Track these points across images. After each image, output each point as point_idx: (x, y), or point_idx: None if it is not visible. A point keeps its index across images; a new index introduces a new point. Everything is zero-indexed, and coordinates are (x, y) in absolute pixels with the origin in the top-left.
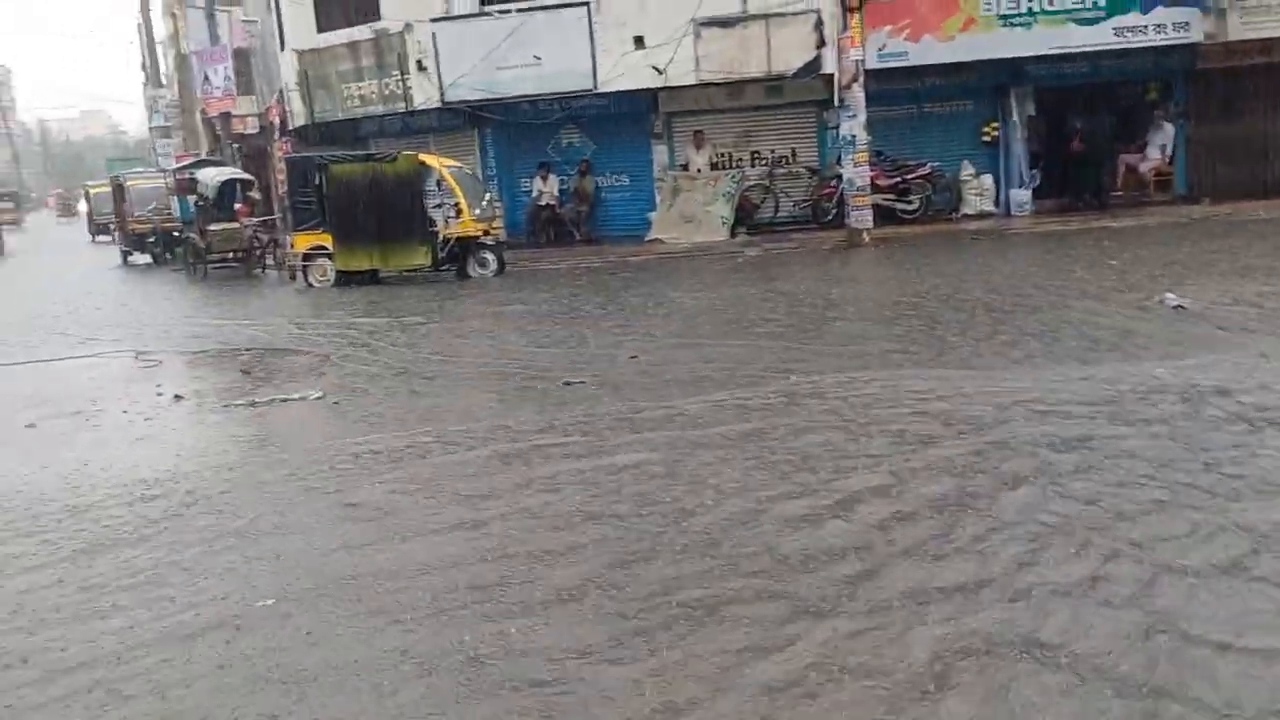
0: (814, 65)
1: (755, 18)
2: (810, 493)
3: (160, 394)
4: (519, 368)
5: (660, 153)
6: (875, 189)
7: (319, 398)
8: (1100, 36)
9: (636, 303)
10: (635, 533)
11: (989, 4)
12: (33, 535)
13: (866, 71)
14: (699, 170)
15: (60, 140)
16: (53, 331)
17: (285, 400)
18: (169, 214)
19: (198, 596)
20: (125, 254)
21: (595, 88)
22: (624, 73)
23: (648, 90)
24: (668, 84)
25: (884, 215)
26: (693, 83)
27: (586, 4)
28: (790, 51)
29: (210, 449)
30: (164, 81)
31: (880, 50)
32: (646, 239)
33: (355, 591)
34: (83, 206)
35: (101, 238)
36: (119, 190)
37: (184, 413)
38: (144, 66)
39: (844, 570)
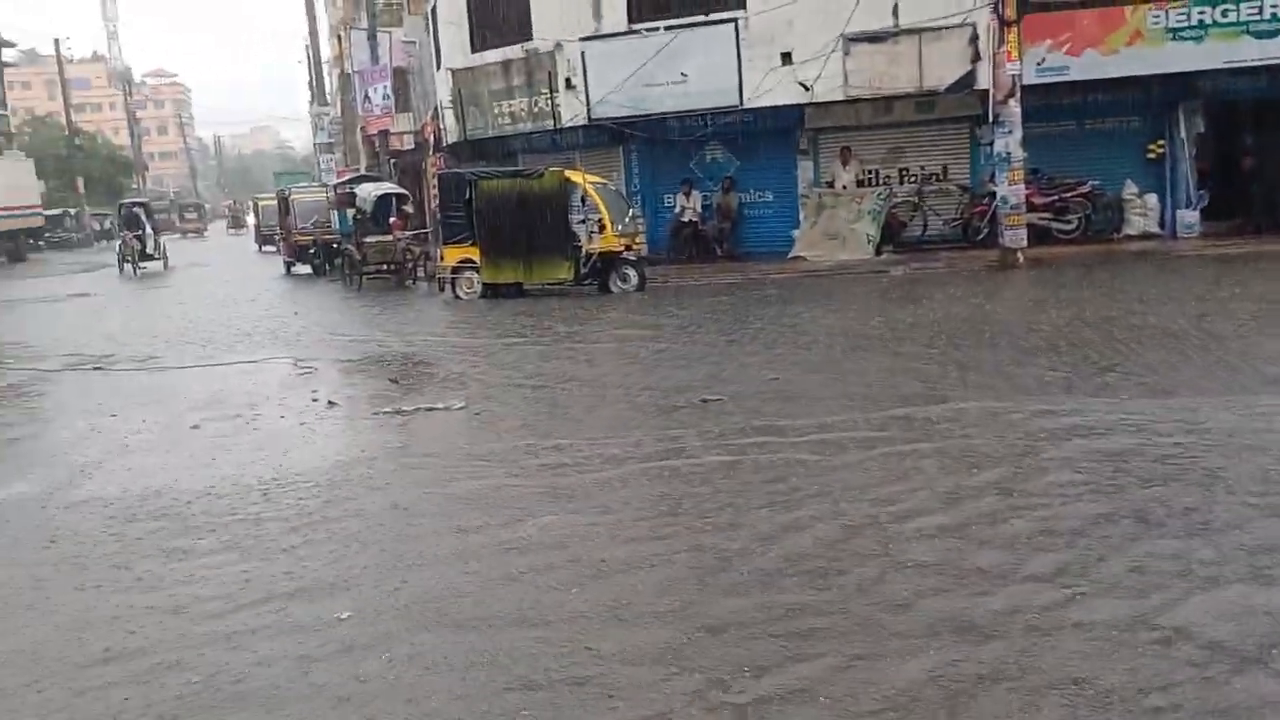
0: (968, 80)
1: (908, 32)
2: (974, 533)
3: (315, 400)
4: (657, 383)
5: (805, 169)
6: (1031, 207)
7: (461, 408)
8: (1278, 49)
9: (777, 321)
10: (788, 553)
11: (1157, 17)
12: (211, 525)
13: (1023, 86)
14: (844, 187)
15: (232, 155)
16: (219, 337)
17: (430, 409)
18: (329, 226)
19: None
20: (288, 264)
21: (741, 104)
22: (770, 89)
23: (794, 106)
24: (814, 100)
25: (1039, 235)
26: (840, 99)
27: (735, 21)
28: (943, 66)
29: (359, 455)
30: (328, 100)
31: (1039, 65)
32: (789, 256)
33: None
34: (251, 218)
35: (267, 248)
36: (284, 203)
37: (336, 418)
38: (311, 85)
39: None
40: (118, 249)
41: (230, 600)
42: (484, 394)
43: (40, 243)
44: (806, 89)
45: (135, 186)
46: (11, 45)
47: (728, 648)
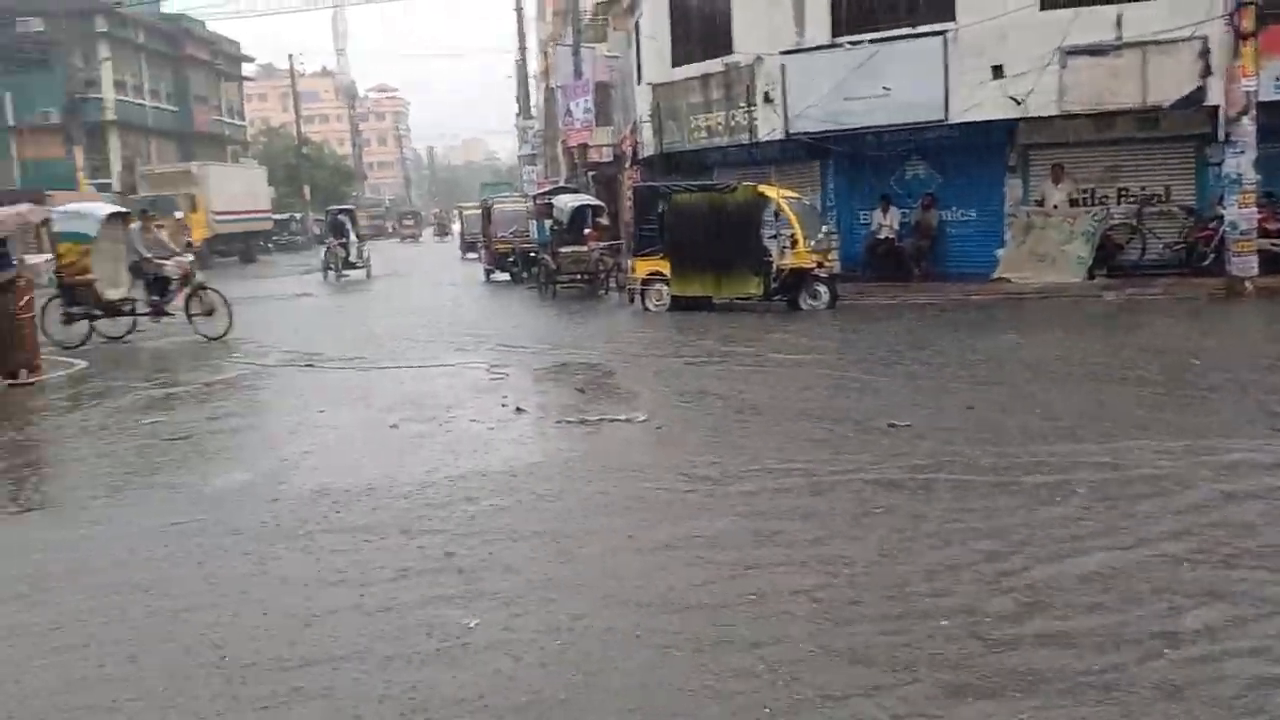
0: (1197, 96)
1: (1131, 45)
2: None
3: (505, 405)
4: (843, 404)
5: (1014, 187)
6: (1263, 233)
7: (643, 420)
8: None
9: (976, 345)
10: (996, 587)
11: None
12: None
13: (1259, 104)
14: (1055, 206)
15: (443, 165)
16: (420, 339)
17: (613, 420)
18: (527, 236)
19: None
20: (488, 271)
21: (946, 119)
22: (979, 103)
23: (1004, 121)
24: (1026, 115)
25: (1270, 263)
26: (1054, 114)
27: (944, 34)
28: (1169, 81)
29: (542, 461)
30: (533, 113)
31: (1277, 80)
32: (992, 277)
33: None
34: (456, 226)
35: (470, 255)
36: (486, 213)
37: (524, 425)
38: (518, 99)
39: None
40: (323, 255)
41: (395, 574)
42: (667, 408)
43: (269, 245)
44: (1018, 103)
45: (355, 194)
46: (251, 60)
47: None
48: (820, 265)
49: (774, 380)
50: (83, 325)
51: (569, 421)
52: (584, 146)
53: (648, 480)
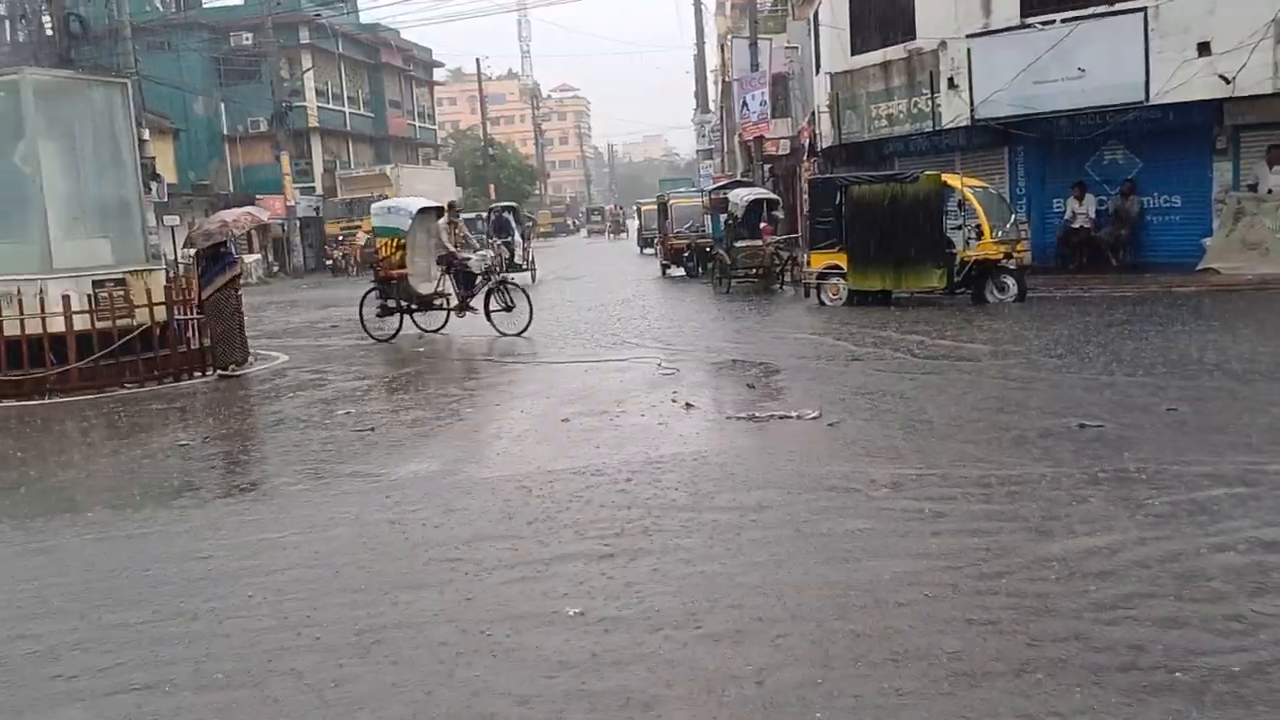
0: None
1: None
2: None
3: (674, 401)
4: (1028, 401)
5: (1222, 171)
6: None
7: (815, 417)
8: None
9: (1180, 340)
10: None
11: None
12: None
13: None
14: (1270, 191)
15: (623, 162)
16: (594, 333)
17: (784, 417)
18: (702, 230)
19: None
20: (664, 267)
21: (1146, 100)
22: (1183, 83)
23: (1211, 101)
24: (1237, 94)
25: None
26: (1269, 92)
27: (1143, 10)
28: None
29: (711, 456)
30: (711, 108)
31: None
32: (1198, 268)
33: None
34: (634, 222)
35: (647, 251)
36: (663, 208)
37: (692, 421)
38: (696, 94)
39: None
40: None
41: (556, 556)
42: (840, 405)
43: None
44: (1227, 82)
45: (538, 193)
46: (441, 65)
47: None
48: (1009, 256)
49: (956, 376)
50: (395, 319)
51: (739, 418)
52: (760, 140)
53: (815, 477)
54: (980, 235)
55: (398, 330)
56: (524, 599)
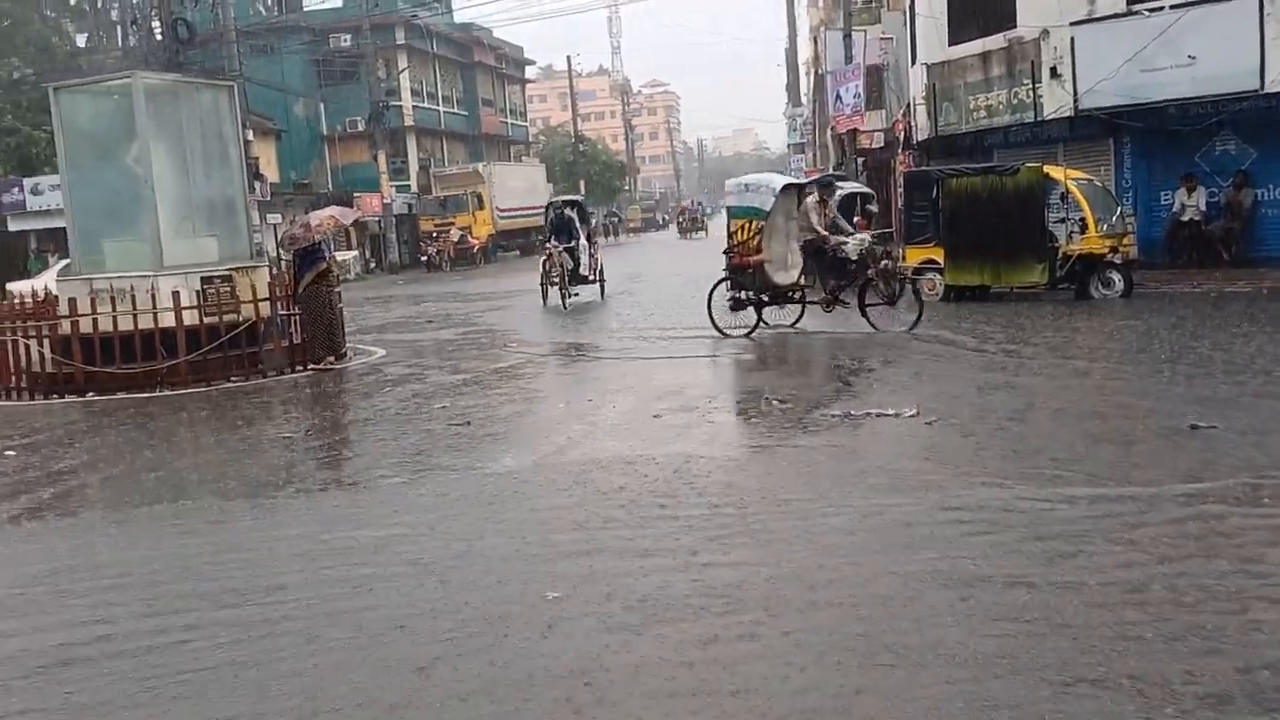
0: None
1: None
2: None
3: (766, 397)
4: (1134, 400)
5: None
6: None
7: (912, 415)
8: None
9: None
10: None
11: None
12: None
13: None
14: None
15: (713, 157)
16: (683, 331)
17: (879, 415)
18: None
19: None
20: None
21: (1261, 88)
22: None
23: None
24: None
25: None
26: None
27: None
28: None
29: (798, 456)
30: (802, 101)
31: None
32: None
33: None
34: (722, 217)
35: None
36: None
37: (783, 417)
38: (787, 88)
39: None
40: (541, 267)
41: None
42: (939, 403)
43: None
44: None
45: (627, 189)
46: (533, 63)
47: None
48: (1114, 250)
49: (1059, 373)
50: (749, 313)
51: (833, 415)
52: (853, 133)
53: (910, 478)
54: (1084, 229)
55: (755, 326)
56: (642, 584)
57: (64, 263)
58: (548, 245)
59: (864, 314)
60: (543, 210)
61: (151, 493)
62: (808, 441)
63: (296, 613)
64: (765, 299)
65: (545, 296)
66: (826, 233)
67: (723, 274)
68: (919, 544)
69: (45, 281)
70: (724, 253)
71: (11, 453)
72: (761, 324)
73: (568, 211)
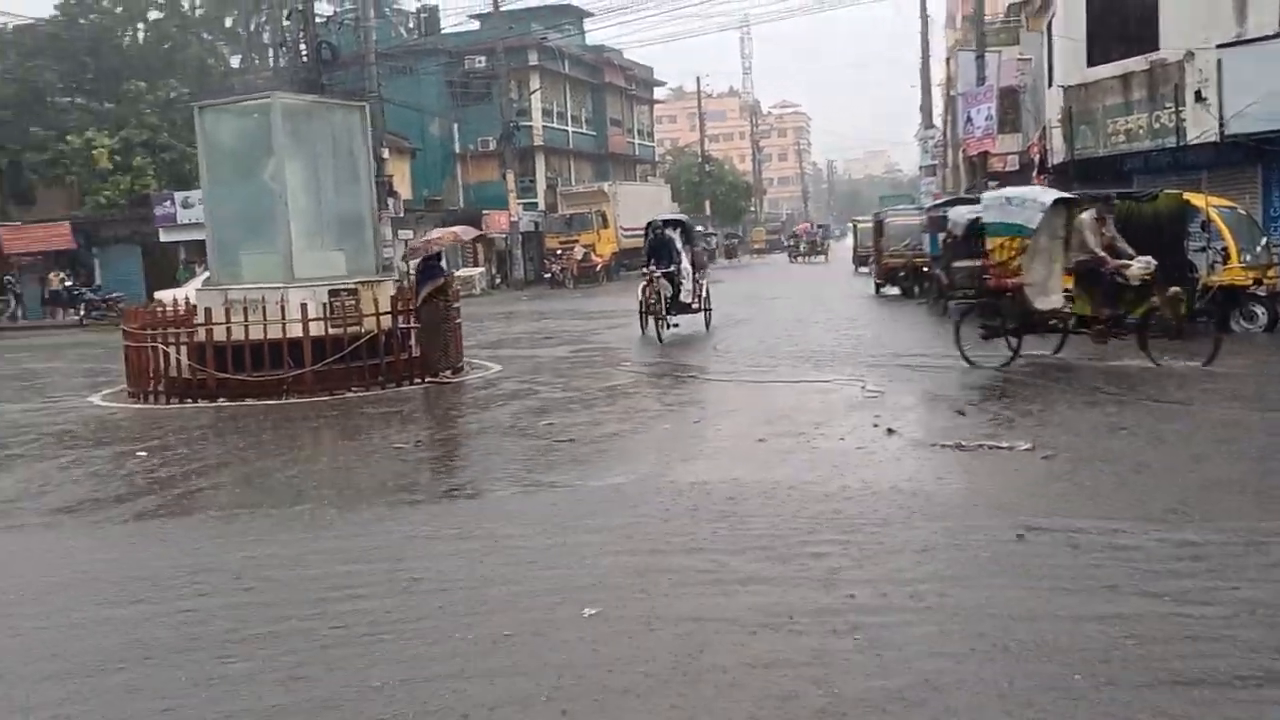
0: None
1: None
2: None
3: (876, 425)
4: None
5: None
6: None
7: (1028, 449)
8: None
9: None
10: None
11: None
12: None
13: None
14: None
15: (843, 179)
16: (796, 355)
17: (994, 448)
18: (920, 250)
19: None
20: (878, 286)
21: None
22: None
23: None
24: None
25: None
26: None
27: None
28: None
29: (912, 488)
30: (935, 123)
31: None
32: None
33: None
34: (848, 240)
35: (862, 269)
36: (878, 226)
37: (893, 447)
38: (921, 109)
39: None
40: (640, 293)
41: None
42: (1059, 437)
43: None
44: None
45: (753, 210)
46: (662, 84)
47: None
48: (1258, 283)
49: (1194, 410)
50: (1005, 343)
51: (944, 445)
52: (985, 155)
53: (1013, 510)
54: (1226, 259)
55: (1012, 359)
56: (742, 609)
57: (206, 274)
58: (644, 269)
59: (1143, 347)
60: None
61: (271, 496)
62: (915, 469)
63: (456, 600)
64: (1022, 328)
65: (644, 325)
66: (1104, 254)
67: (968, 299)
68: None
69: (187, 291)
70: (978, 277)
71: (142, 453)
72: (1016, 354)
73: (668, 232)
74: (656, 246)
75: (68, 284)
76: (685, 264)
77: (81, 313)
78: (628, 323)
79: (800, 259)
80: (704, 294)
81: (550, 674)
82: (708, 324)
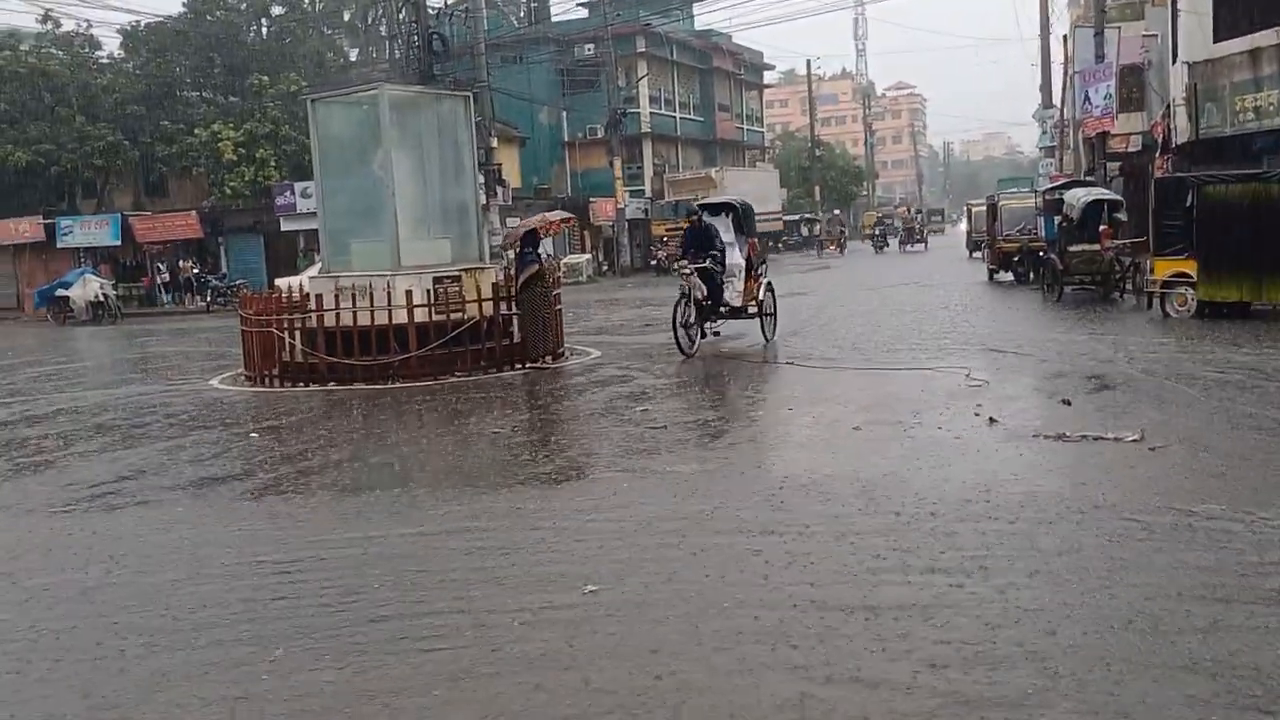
0: None
1: None
2: None
3: (977, 414)
4: None
5: None
6: None
7: (1135, 440)
8: None
9: None
10: None
11: None
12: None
13: None
14: None
15: (961, 161)
16: (900, 341)
17: (1098, 439)
18: (1035, 233)
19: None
20: (991, 271)
21: None
22: None
23: None
24: None
25: None
26: None
27: None
28: None
29: (1008, 478)
30: (1054, 103)
31: None
32: None
33: None
34: (963, 225)
35: (976, 254)
36: (992, 209)
37: (994, 436)
38: (1041, 88)
39: None
40: (679, 295)
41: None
42: (1170, 429)
43: (779, 245)
44: None
45: (864, 194)
46: (771, 68)
47: None
48: None
49: None
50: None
51: (1046, 436)
52: (1104, 135)
53: (1126, 516)
54: None
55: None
56: (825, 594)
57: (320, 262)
58: (679, 264)
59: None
60: (776, 215)
61: (376, 478)
62: (1032, 459)
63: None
64: None
65: (677, 338)
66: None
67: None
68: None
69: (303, 279)
70: None
71: (255, 435)
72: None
73: (705, 223)
74: (694, 237)
75: (195, 271)
76: (736, 257)
77: (208, 299)
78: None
79: (903, 246)
80: (760, 294)
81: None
82: (766, 331)
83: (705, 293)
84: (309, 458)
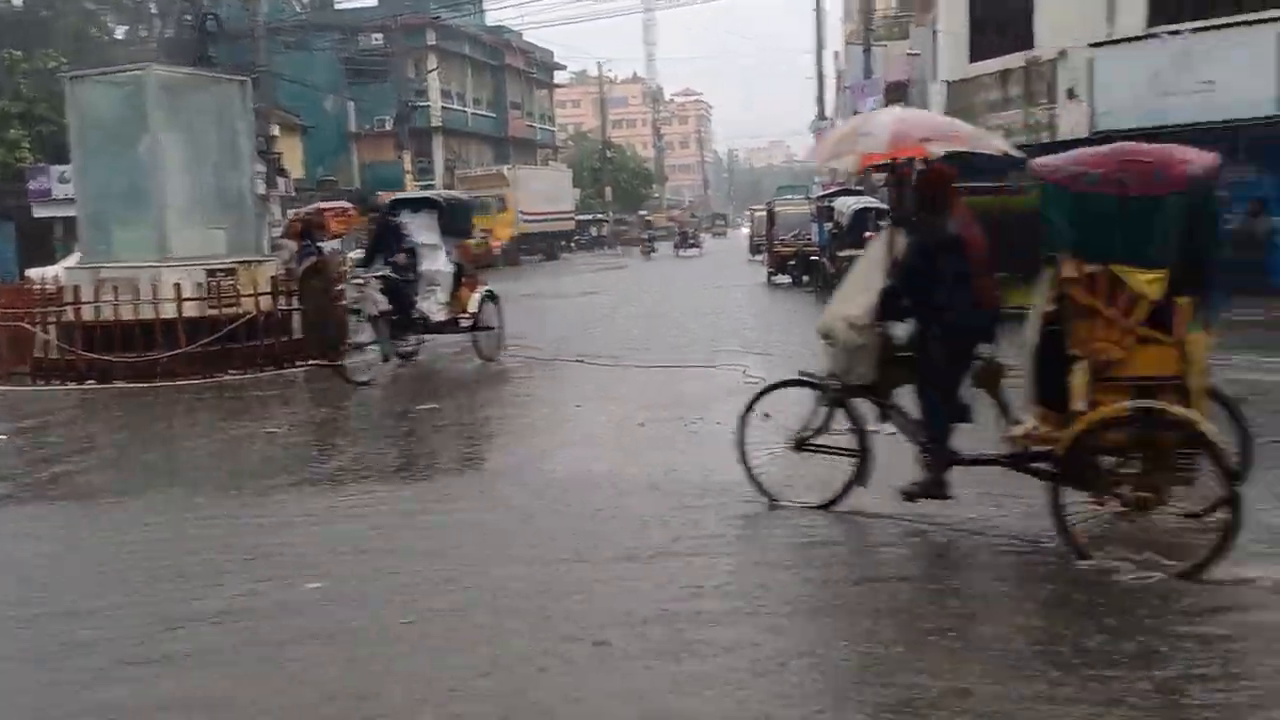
0: None
1: None
2: None
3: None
4: None
5: None
6: None
7: (892, 434)
8: None
9: None
10: None
11: None
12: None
13: None
14: None
15: (744, 168)
16: (684, 341)
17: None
18: (809, 239)
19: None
20: (770, 274)
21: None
22: None
23: None
24: None
25: None
26: None
27: (1277, 20)
28: None
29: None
30: (826, 115)
31: None
32: None
33: None
34: (745, 229)
35: (757, 257)
36: (770, 215)
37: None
38: (817, 100)
39: None
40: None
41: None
42: None
43: (571, 245)
44: None
45: (655, 196)
46: (563, 68)
47: None
48: None
49: None
50: None
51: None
52: None
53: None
54: None
55: None
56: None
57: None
58: (355, 276)
59: None
60: (569, 215)
61: (133, 480)
62: None
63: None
64: None
65: (345, 368)
66: None
67: None
68: None
69: (58, 270)
70: None
71: (3, 436)
72: None
73: (404, 216)
74: (382, 237)
75: None
76: (440, 262)
77: None
78: (518, 306)
79: (676, 251)
80: (475, 305)
81: None
82: (481, 351)
83: (386, 307)
84: (58, 462)
